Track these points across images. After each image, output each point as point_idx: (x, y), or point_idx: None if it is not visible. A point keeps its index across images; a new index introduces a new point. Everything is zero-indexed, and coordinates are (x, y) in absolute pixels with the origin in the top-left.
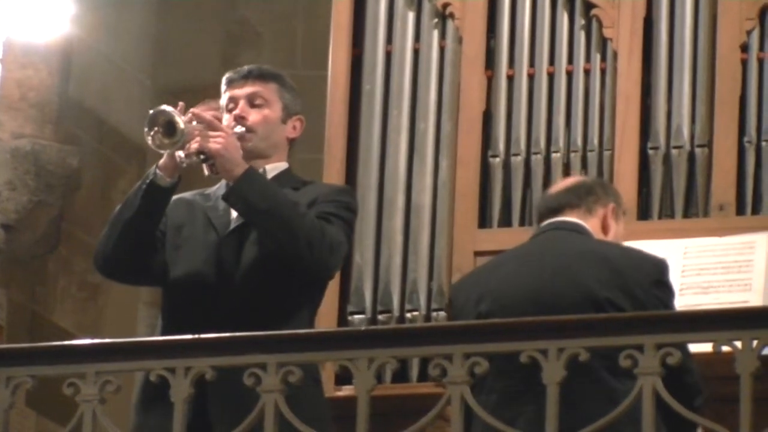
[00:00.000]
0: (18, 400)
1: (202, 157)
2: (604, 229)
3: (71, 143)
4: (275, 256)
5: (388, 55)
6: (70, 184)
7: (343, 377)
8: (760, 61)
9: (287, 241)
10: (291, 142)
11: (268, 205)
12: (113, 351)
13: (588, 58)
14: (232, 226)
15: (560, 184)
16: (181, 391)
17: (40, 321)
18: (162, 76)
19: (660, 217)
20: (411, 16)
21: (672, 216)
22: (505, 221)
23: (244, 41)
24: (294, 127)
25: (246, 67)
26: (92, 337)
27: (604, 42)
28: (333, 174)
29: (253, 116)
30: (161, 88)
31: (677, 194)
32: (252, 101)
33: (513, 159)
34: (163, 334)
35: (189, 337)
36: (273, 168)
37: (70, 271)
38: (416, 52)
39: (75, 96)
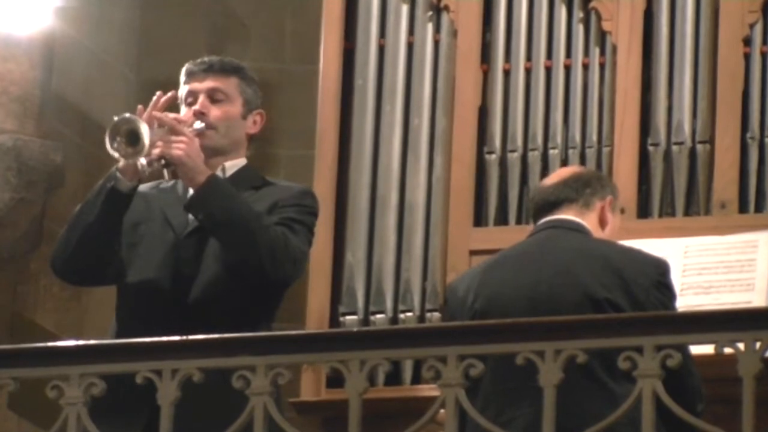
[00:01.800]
0: None
1: (163, 162)
2: (602, 222)
3: (54, 138)
4: (236, 265)
5: (381, 49)
6: (52, 181)
7: (335, 379)
8: (763, 55)
9: (249, 254)
10: (251, 137)
11: (230, 217)
12: (98, 352)
13: (586, 52)
14: (190, 227)
15: (556, 176)
16: (168, 393)
17: (22, 321)
18: (146, 70)
19: (660, 216)
20: (404, 9)
21: (672, 214)
22: (501, 219)
23: (231, 34)
24: (254, 122)
25: (207, 60)
26: (75, 338)
27: (603, 35)
28: (324, 171)
29: (214, 112)
30: (146, 81)
31: (678, 192)
32: (212, 96)
33: (509, 156)
34: (116, 335)
35: (176, 338)
36: (232, 165)
37: None
38: (410, 46)
39: (58, 90)
